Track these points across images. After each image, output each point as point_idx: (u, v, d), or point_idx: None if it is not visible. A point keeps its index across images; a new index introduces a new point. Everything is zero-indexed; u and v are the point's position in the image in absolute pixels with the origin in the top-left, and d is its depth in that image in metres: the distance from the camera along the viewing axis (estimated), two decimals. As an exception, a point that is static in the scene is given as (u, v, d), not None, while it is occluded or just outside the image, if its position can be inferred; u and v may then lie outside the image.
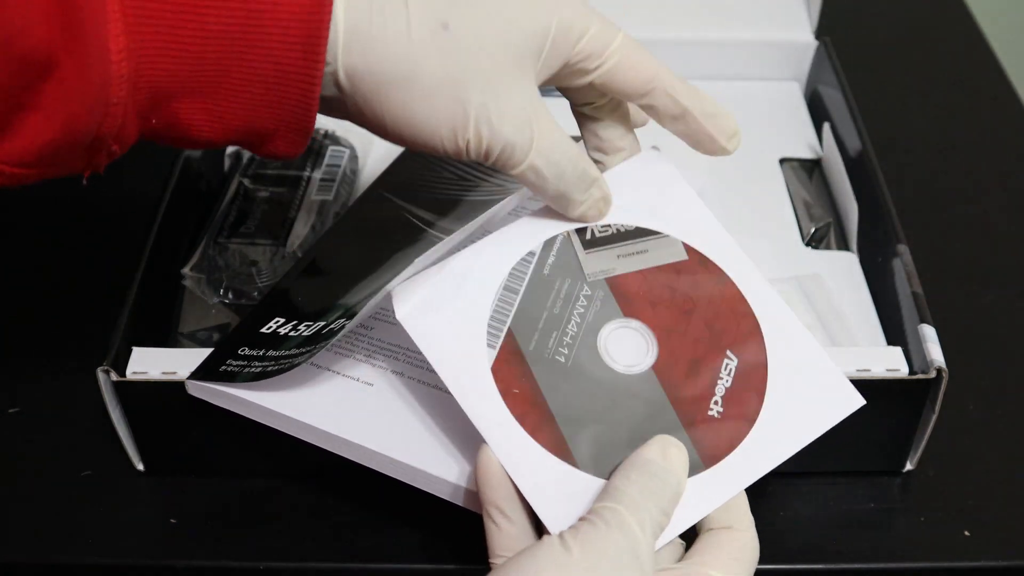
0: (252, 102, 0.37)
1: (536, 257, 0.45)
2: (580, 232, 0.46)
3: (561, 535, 0.37)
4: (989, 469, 0.53)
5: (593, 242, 0.46)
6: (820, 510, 0.51)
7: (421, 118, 0.40)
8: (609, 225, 0.46)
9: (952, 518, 0.51)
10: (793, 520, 0.51)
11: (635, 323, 0.44)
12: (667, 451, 0.40)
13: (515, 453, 0.40)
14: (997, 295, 0.62)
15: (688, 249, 0.46)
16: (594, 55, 0.42)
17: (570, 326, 0.43)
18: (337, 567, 0.49)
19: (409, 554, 0.49)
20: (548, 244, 0.45)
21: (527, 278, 0.44)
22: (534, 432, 0.41)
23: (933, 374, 0.48)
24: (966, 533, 0.50)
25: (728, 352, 0.43)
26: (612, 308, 0.44)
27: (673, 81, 0.44)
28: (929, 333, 0.49)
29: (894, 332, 0.53)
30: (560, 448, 0.40)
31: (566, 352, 0.43)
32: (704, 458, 0.41)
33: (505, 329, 0.43)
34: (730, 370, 0.43)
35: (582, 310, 0.44)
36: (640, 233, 0.46)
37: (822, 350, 0.44)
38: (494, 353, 0.42)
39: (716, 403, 0.42)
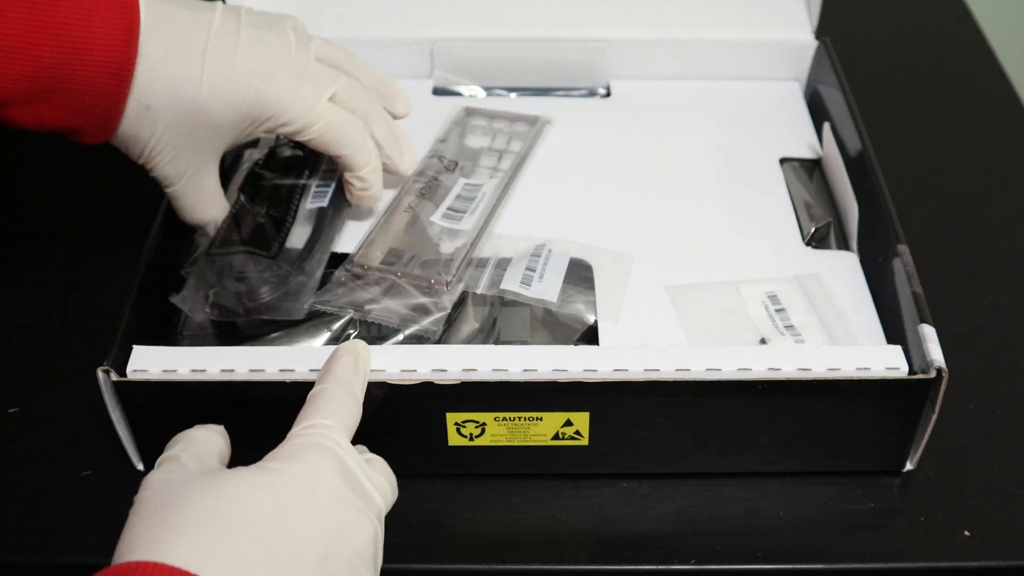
0: (71, 113, 0.49)
1: None
2: None
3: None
4: (989, 469, 0.53)
5: None
6: (820, 510, 0.51)
7: None
8: None
9: (952, 518, 0.51)
10: (793, 520, 0.51)
11: None
12: None
13: None
14: (997, 295, 0.62)
15: None
16: (294, 133, 0.54)
17: None
18: (337, 567, 0.49)
19: (409, 554, 0.49)
20: None
21: None
22: None
23: (933, 374, 0.48)
24: (966, 533, 0.50)
25: None
26: None
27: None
28: (929, 333, 0.49)
29: (894, 332, 0.53)
30: None
31: None
32: None
33: None
34: None
35: None
36: None
37: None
38: None
39: None
